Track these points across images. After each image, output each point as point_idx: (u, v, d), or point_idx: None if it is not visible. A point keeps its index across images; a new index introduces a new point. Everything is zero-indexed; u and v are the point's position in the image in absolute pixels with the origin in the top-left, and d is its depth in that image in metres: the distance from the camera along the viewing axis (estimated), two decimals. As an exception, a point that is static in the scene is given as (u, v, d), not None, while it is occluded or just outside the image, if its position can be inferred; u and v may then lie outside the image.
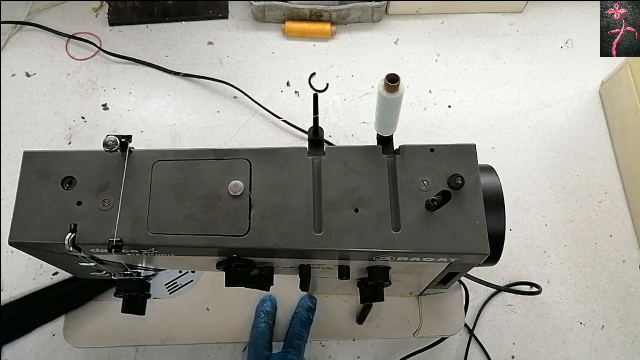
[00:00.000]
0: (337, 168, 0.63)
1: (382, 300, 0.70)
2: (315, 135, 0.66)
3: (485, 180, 0.69)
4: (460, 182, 0.59)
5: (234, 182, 0.63)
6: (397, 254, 0.60)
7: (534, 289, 1.00)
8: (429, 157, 0.63)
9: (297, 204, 0.62)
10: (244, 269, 0.67)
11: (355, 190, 0.62)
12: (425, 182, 0.62)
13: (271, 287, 0.72)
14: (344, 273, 0.66)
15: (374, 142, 0.67)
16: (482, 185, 0.62)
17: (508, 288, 1.04)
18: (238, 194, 0.62)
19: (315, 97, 0.66)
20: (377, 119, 0.63)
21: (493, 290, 1.07)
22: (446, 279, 0.74)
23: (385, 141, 0.65)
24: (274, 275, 0.73)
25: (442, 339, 1.01)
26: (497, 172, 0.75)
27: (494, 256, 0.61)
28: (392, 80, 0.56)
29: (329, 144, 1.20)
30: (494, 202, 0.67)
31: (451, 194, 0.61)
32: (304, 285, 0.68)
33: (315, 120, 0.66)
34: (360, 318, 0.91)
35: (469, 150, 0.64)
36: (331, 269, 0.68)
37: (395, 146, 0.65)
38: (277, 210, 0.62)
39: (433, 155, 0.63)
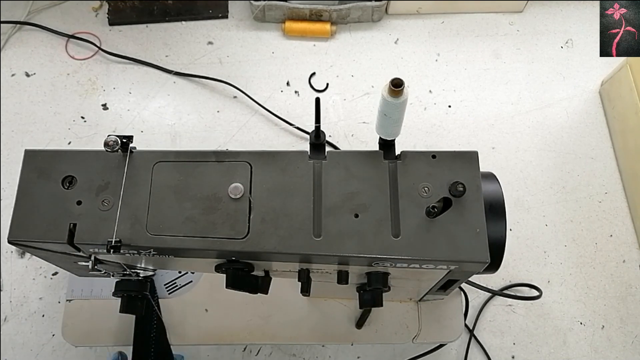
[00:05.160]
0: (338, 173, 0.63)
1: (381, 305, 0.70)
2: (317, 139, 0.66)
3: (487, 187, 0.68)
4: (461, 189, 0.59)
5: (234, 184, 0.62)
6: (396, 260, 0.60)
7: (534, 293, 0.99)
8: (430, 163, 0.63)
9: (297, 208, 0.62)
10: (244, 272, 0.67)
11: (356, 196, 0.62)
12: (426, 188, 0.61)
13: (270, 290, 0.72)
14: (342, 278, 0.66)
15: (374, 142, 0.66)
16: (483, 192, 0.62)
17: (507, 293, 1.04)
18: (238, 196, 0.62)
19: (318, 102, 0.65)
20: (380, 124, 0.62)
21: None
22: (446, 286, 0.74)
23: (387, 146, 0.65)
24: (273, 279, 0.73)
25: (441, 346, 1.01)
26: (497, 172, 0.75)
27: (494, 264, 0.61)
28: (397, 85, 0.55)
29: (331, 145, 1.20)
30: (495, 210, 0.67)
31: (452, 201, 0.60)
32: (305, 290, 0.67)
33: (317, 125, 0.65)
34: (359, 323, 0.91)
35: (471, 157, 0.63)
36: (330, 274, 0.68)
37: (396, 148, 0.65)
38: (276, 214, 0.62)
39: (434, 161, 0.63)
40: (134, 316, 0.91)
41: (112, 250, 0.60)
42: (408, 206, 0.61)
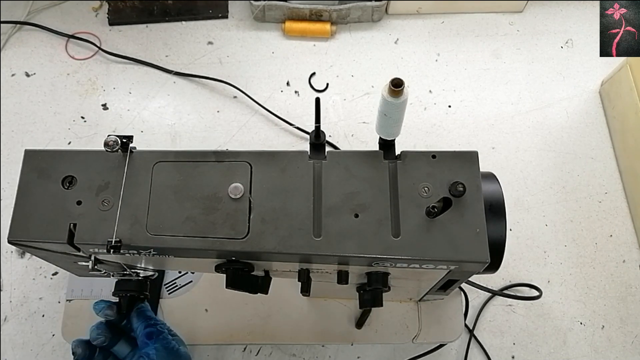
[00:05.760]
0: (338, 173, 0.63)
1: (381, 305, 0.70)
2: (317, 139, 0.66)
3: (487, 187, 0.69)
4: (461, 189, 0.59)
5: (234, 184, 0.63)
6: (396, 260, 0.60)
7: (534, 293, 0.99)
8: (430, 163, 0.63)
9: (297, 208, 0.62)
10: (244, 272, 0.67)
11: (356, 196, 0.62)
12: (426, 188, 0.61)
13: (270, 290, 0.72)
14: (342, 278, 0.66)
15: (375, 142, 0.66)
16: (483, 192, 0.62)
17: (507, 293, 1.04)
18: (238, 196, 0.62)
19: (318, 102, 0.65)
20: (380, 124, 0.62)
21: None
22: (446, 286, 0.74)
23: (387, 146, 0.65)
24: (273, 279, 0.73)
25: (441, 346, 1.01)
26: (497, 172, 0.75)
27: (494, 264, 0.61)
28: (397, 85, 0.55)
29: (331, 145, 1.20)
30: (495, 210, 0.67)
31: (452, 201, 0.60)
32: (305, 290, 0.68)
33: (317, 125, 0.66)
34: (359, 323, 0.91)
35: (471, 157, 0.63)
36: (330, 274, 0.68)
37: (396, 148, 0.65)
38: (276, 214, 0.62)
39: (435, 161, 0.63)
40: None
41: (112, 250, 0.60)
42: (408, 206, 0.61)
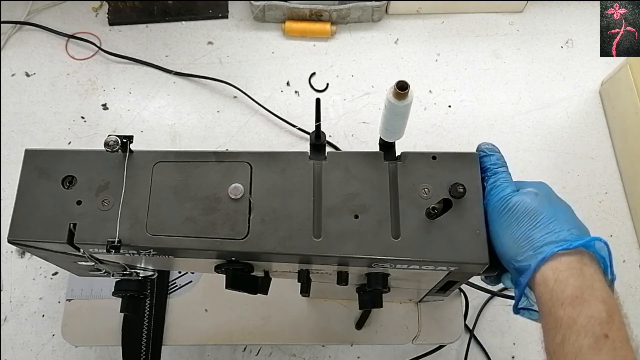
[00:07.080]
0: (338, 173, 0.63)
1: (381, 306, 0.70)
2: (317, 140, 0.66)
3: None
4: (461, 190, 0.59)
5: (234, 185, 0.62)
6: (396, 261, 0.60)
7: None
8: (430, 164, 0.62)
9: (297, 208, 0.62)
10: (244, 272, 0.67)
11: (356, 197, 0.62)
12: (426, 189, 0.61)
13: (270, 290, 0.72)
14: (342, 279, 0.66)
15: (374, 142, 0.66)
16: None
17: (506, 294, 1.04)
18: (238, 197, 0.62)
19: (318, 102, 0.65)
20: (383, 126, 0.62)
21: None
22: (446, 287, 0.74)
23: (387, 147, 0.65)
24: (273, 279, 0.73)
25: (441, 346, 1.01)
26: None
27: (493, 266, 0.61)
28: (402, 88, 0.55)
29: (331, 145, 1.20)
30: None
31: (452, 202, 0.60)
32: (305, 291, 0.68)
33: (318, 125, 0.65)
34: (359, 323, 0.91)
35: (471, 159, 0.63)
36: (330, 275, 0.68)
37: (397, 149, 0.65)
38: (276, 215, 0.62)
39: (435, 162, 0.63)
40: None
41: (112, 250, 0.60)
42: (408, 207, 0.61)
